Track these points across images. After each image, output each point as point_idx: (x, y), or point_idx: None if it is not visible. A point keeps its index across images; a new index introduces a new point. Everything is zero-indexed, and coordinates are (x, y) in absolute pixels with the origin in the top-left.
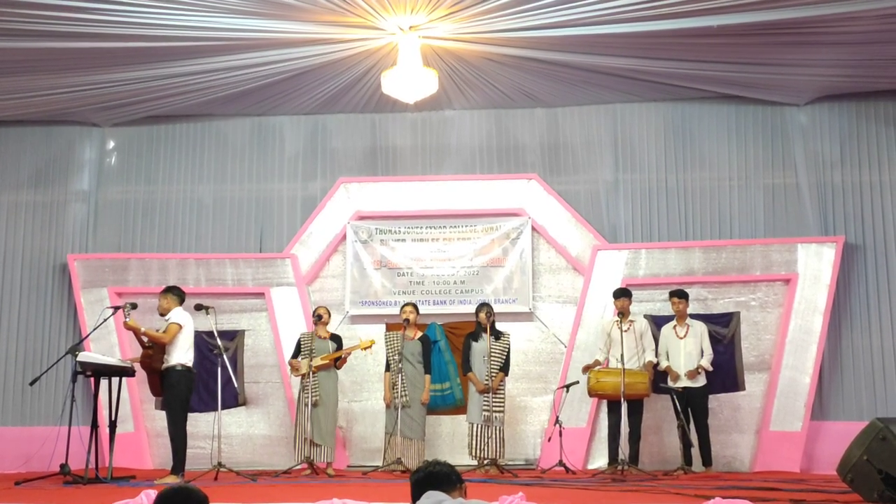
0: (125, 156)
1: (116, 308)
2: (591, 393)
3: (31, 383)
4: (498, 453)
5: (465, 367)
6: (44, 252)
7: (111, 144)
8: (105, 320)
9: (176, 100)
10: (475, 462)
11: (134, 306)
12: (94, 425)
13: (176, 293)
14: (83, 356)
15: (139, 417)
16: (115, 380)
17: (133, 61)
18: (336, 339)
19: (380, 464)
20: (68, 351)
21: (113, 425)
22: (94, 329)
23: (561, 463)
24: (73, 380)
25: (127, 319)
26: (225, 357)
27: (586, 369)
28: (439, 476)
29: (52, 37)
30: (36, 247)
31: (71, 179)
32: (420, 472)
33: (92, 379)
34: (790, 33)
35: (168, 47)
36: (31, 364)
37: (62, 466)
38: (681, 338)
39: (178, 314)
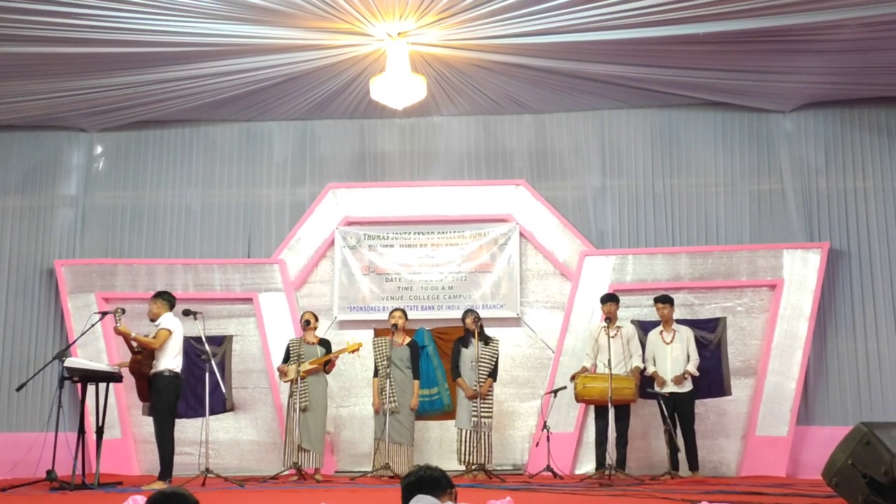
0: (113, 161)
1: (104, 313)
2: (578, 399)
3: (18, 389)
4: (486, 458)
5: (455, 372)
6: (30, 257)
7: (99, 149)
8: (92, 326)
9: (164, 105)
10: (463, 467)
11: (122, 312)
12: (81, 431)
13: (166, 298)
14: (70, 362)
15: (126, 423)
16: (102, 385)
17: (121, 67)
18: (325, 343)
19: (368, 469)
20: (55, 356)
21: (100, 431)
22: (82, 335)
23: (549, 468)
24: (60, 385)
25: (118, 325)
26: (213, 362)
27: (575, 378)
28: (430, 480)
29: (39, 42)
30: (23, 252)
31: (58, 184)
32: (411, 476)
33: (79, 385)
34: (776, 41)
35: (156, 53)
36: (17, 370)
37: (49, 473)
38: (667, 343)
39: (168, 320)
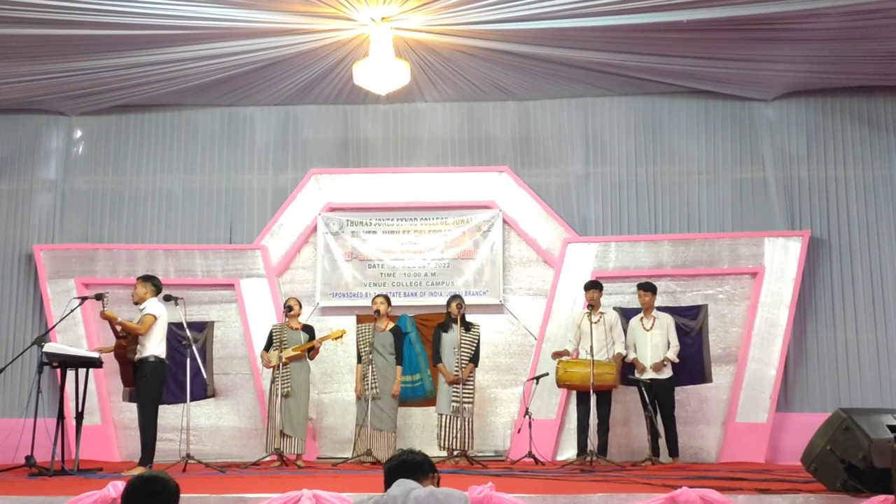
0: (93, 145)
1: (84, 298)
2: (560, 384)
3: None
4: (467, 444)
5: (435, 358)
6: (9, 242)
7: (79, 133)
8: (72, 311)
9: (145, 89)
10: (444, 453)
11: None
12: (61, 417)
13: (154, 284)
14: (49, 347)
15: (106, 409)
16: (81, 371)
17: (101, 49)
18: (308, 329)
19: (350, 455)
20: (34, 342)
21: (80, 417)
22: (61, 320)
23: (530, 454)
24: (39, 371)
25: (105, 309)
26: (194, 348)
27: (556, 355)
28: (412, 464)
29: (18, 24)
30: (1, 237)
31: (37, 169)
32: (394, 461)
33: (58, 370)
34: (759, 29)
35: (138, 36)
36: None
37: (27, 458)
38: (647, 330)
39: (153, 305)
